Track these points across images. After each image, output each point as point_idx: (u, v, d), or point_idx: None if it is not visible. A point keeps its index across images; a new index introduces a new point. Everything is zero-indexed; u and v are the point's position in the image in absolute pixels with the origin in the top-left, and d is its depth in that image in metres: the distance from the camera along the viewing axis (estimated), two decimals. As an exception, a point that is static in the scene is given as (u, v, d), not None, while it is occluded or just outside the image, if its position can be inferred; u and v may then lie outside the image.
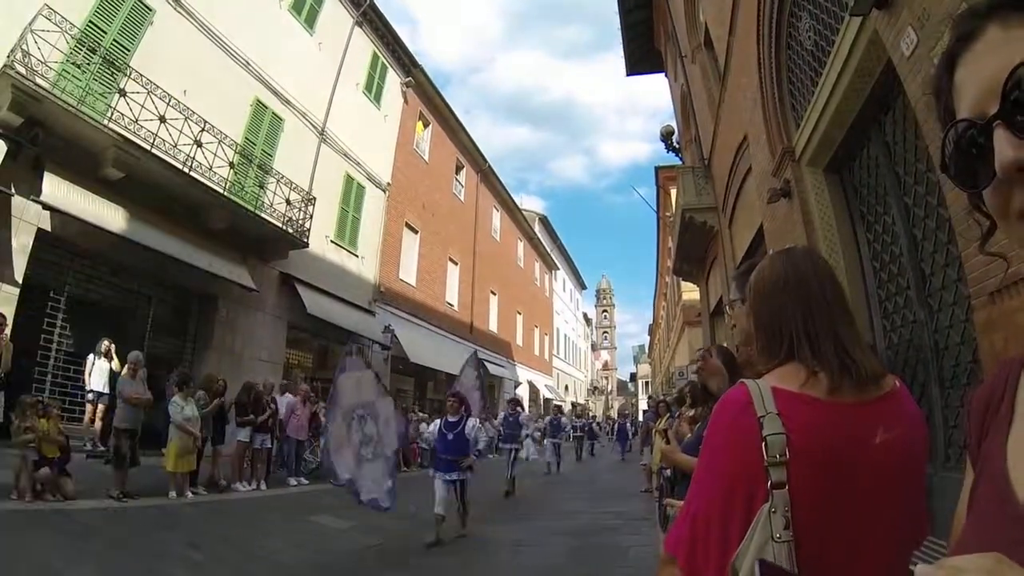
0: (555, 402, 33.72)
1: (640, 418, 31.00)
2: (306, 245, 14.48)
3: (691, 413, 5.18)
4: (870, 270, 5.85)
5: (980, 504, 0.64)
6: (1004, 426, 0.63)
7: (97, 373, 9.48)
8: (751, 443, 0.96)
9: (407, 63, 21.36)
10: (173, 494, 8.23)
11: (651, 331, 60.71)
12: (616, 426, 25.39)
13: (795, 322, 1.10)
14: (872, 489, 0.97)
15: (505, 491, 11.25)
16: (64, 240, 9.81)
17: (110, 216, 10.09)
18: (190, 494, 8.46)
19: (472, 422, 7.28)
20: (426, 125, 23.69)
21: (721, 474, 1.03)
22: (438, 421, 7.72)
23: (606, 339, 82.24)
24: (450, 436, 7.21)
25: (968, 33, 0.58)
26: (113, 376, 9.35)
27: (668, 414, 9.16)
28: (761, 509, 0.94)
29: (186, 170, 11.14)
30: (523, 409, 13.84)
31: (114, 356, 9.67)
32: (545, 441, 16.68)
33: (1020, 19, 0.54)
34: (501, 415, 12.89)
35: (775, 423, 0.96)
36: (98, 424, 9.48)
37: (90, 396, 9.50)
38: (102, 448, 8.87)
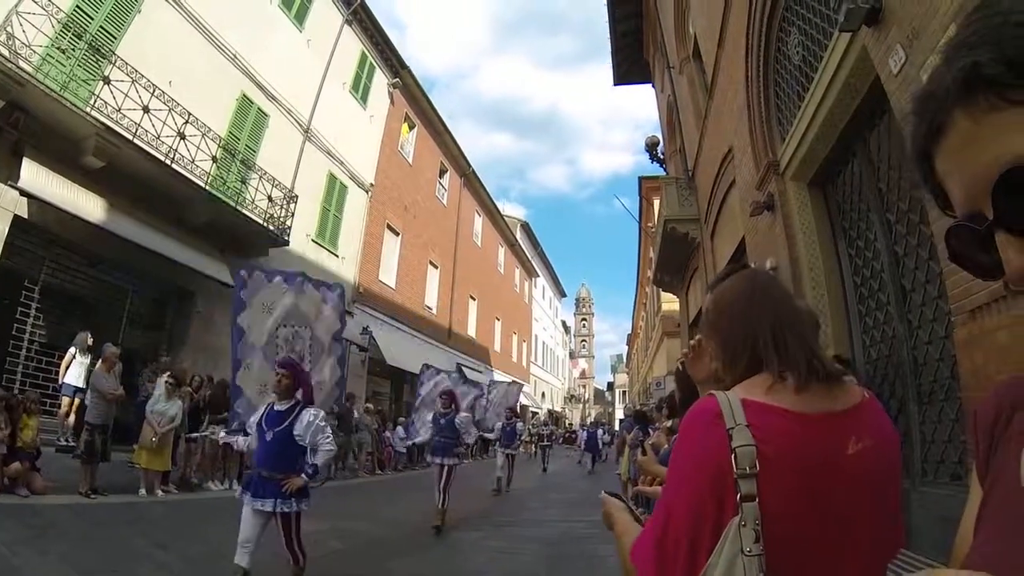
0: (526, 404, 33.46)
1: (616, 427, 31.01)
2: (287, 243, 14.37)
3: (668, 424, 5.20)
4: (851, 285, 5.93)
5: (993, 517, 0.63)
6: (1017, 440, 0.63)
7: (76, 368, 9.28)
8: (720, 455, 0.96)
9: (395, 64, 21.32)
10: (143, 492, 8.10)
11: (630, 341, 60.95)
12: (585, 434, 23.56)
13: (761, 331, 1.10)
14: (848, 500, 0.97)
15: (434, 525, 7.81)
16: (41, 228, 9.63)
17: (89, 206, 9.93)
18: (160, 492, 8.32)
19: (310, 414, 4.46)
20: (411, 127, 23.66)
21: (690, 487, 1.01)
22: (262, 409, 4.71)
23: (584, 347, 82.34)
24: (269, 436, 4.39)
25: (938, 125, 0.56)
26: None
27: (638, 426, 9.19)
28: (731, 522, 0.93)
29: (168, 162, 10.99)
30: (459, 409, 9.37)
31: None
32: (497, 451, 13.80)
33: (986, 106, 0.51)
34: (430, 415, 9.05)
35: (744, 435, 0.95)
36: (71, 419, 9.28)
37: (67, 391, 9.28)
38: (72, 443, 8.71)
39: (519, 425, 15.37)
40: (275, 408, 4.51)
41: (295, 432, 4.36)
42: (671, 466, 1.09)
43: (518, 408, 35.20)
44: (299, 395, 4.57)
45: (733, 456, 0.94)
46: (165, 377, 8.67)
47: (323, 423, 4.52)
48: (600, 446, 23.14)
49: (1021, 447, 0.61)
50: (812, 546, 0.95)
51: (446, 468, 8.23)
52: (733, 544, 0.91)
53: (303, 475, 4.35)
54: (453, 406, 8.93)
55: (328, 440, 4.50)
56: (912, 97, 0.61)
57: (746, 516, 0.91)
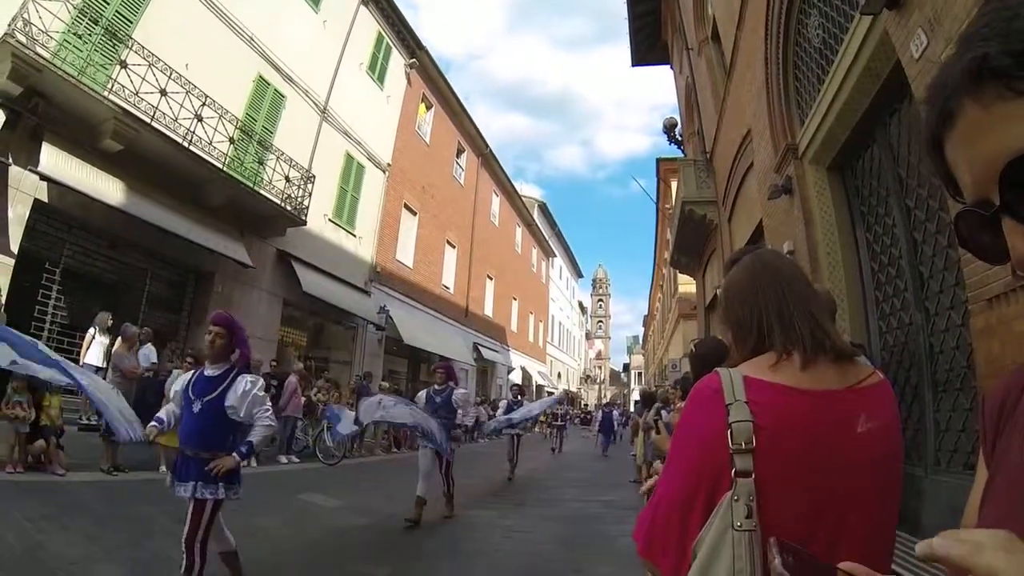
0: (542, 384, 33.52)
1: (632, 408, 30.99)
2: (304, 223, 14.43)
3: (681, 405, 5.22)
4: (868, 271, 5.86)
5: (996, 498, 0.64)
6: (1021, 424, 0.64)
7: (96, 348, 9.41)
8: (716, 430, 0.96)
9: (411, 44, 21.20)
10: (163, 469, 8.23)
11: (646, 322, 60.82)
12: (600, 415, 22.82)
13: (767, 311, 1.10)
14: (853, 478, 0.96)
15: (444, 515, 7.34)
16: (61, 212, 9.77)
17: (108, 189, 10.03)
18: (181, 469, 8.45)
19: (246, 382, 3.71)
20: (428, 107, 23.55)
21: (688, 461, 1.03)
22: (188, 375, 4.01)
23: (600, 328, 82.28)
24: (197, 407, 3.60)
25: (948, 113, 0.57)
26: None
27: (647, 409, 9.34)
28: (724, 497, 0.94)
29: (186, 144, 11.06)
30: (457, 383, 8.00)
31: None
32: (503, 431, 12.74)
33: (996, 93, 0.52)
34: (423, 394, 7.87)
35: (742, 411, 0.96)
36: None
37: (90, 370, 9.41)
38: (96, 421, 8.86)
39: (526, 403, 14.12)
40: (205, 373, 3.74)
41: (227, 404, 3.61)
42: (673, 440, 1.11)
43: (533, 387, 35.35)
44: (235, 358, 3.80)
45: (729, 432, 0.95)
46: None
47: (261, 392, 3.78)
48: (615, 427, 22.87)
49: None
50: (813, 522, 0.95)
51: (440, 454, 7.21)
52: (724, 518, 0.93)
53: (235, 455, 3.59)
54: (449, 382, 7.73)
55: (267, 414, 3.78)
56: (926, 86, 0.62)
57: (739, 491, 0.93)
